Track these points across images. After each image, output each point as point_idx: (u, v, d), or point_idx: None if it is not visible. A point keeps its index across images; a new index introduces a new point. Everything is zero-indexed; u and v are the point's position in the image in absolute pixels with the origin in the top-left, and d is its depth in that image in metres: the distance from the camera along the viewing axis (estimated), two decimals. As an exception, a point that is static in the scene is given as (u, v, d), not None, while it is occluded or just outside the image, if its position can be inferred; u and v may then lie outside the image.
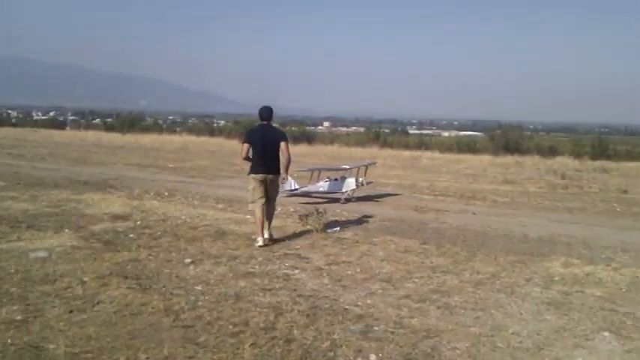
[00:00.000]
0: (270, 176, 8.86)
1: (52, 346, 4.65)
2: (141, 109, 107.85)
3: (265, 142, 8.81)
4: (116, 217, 10.33)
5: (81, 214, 10.62)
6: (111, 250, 7.83)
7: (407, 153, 36.12)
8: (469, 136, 64.65)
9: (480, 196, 15.77)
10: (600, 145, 40.04)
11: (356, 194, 13.99)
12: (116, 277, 6.54)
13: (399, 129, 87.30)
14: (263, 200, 8.77)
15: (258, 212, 8.72)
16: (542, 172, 25.41)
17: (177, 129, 60.56)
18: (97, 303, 5.66)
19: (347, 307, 5.76)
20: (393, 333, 5.07)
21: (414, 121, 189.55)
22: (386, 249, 8.42)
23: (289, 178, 14.43)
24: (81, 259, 7.27)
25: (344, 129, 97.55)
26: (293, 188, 14.35)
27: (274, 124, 9.25)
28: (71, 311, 5.42)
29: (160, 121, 75.98)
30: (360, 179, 13.93)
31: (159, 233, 9.14)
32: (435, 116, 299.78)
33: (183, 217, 10.50)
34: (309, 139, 44.80)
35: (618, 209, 13.92)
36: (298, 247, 8.45)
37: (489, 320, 5.47)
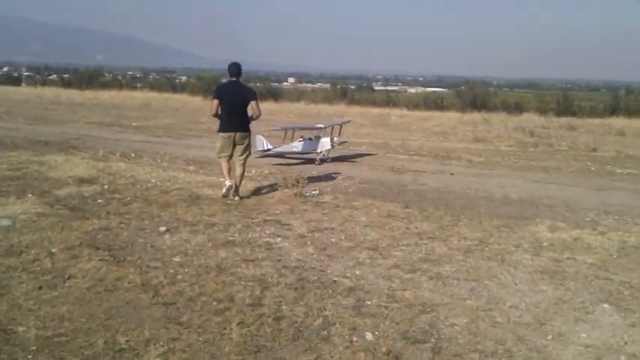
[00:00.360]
0: (239, 134, 8.87)
1: (21, 329, 4.27)
2: (98, 65, 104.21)
3: (234, 100, 8.77)
4: (82, 181, 9.79)
5: (44, 177, 10.05)
6: (79, 218, 7.37)
7: (375, 110, 35.86)
8: (436, 92, 64.61)
9: (454, 155, 15.62)
10: (565, 101, 40.44)
11: (330, 154, 13.66)
12: (87, 247, 6.11)
13: (364, 85, 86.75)
14: (228, 156, 8.97)
15: (224, 164, 8.97)
16: (511, 130, 25.46)
17: (138, 85, 58.71)
18: (68, 278, 5.25)
19: (335, 278, 5.49)
20: (386, 308, 4.82)
21: (380, 77, 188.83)
22: (368, 214, 8.16)
23: (262, 137, 14.01)
24: (47, 228, 6.80)
25: (309, 85, 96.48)
26: (266, 148, 13.95)
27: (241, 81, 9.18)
28: (40, 287, 5.01)
29: (120, 77, 73.46)
30: (335, 139, 13.58)
31: (129, 198, 8.68)
32: (400, 72, 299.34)
33: (153, 181, 10.03)
34: (275, 96, 43.94)
35: (592, 168, 13.95)
36: (277, 212, 8.12)
37: (484, 292, 5.27)
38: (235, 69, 8.84)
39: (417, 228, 7.41)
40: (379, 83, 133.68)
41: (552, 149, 18.83)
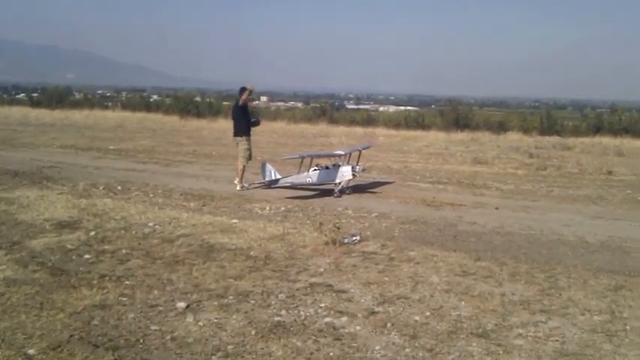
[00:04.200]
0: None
1: None
2: (68, 84, 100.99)
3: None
4: (62, 226, 7.90)
5: (14, 221, 8.14)
6: (63, 287, 5.49)
7: (360, 130, 34.47)
8: (415, 111, 63.65)
9: (479, 183, 13.96)
10: (549, 120, 39.62)
11: (350, 184, 11.89)
12: (80, 344, 4.24)
13: (337, 104, 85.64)
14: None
15: None
16: (505, 150, 24.32)
17: (109, 104, 56.23)
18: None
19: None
20: None
21: (351, 96, 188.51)
22: (437, 270, 6.39)
23: (269, 165, 12.18)
24: (20, 309, 4.90)
25: (282, 104, 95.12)
26: (273, 178, 12.10)
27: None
28: None
29: (90, 96, 70.64)
30: (358, 167, 11.78)
31: (124, 251, 6.80)
32: (371, 91, 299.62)
33: (150, 224, 8.14)
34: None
35: (639, 198, 12.44)
36: (321, 270, 6.30)
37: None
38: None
39: (513, 294, 5.66)
40: (351, 102, 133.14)
41: (563, 172, 17.62)
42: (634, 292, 5.82)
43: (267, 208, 9.73)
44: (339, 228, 7.30)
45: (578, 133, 34.98)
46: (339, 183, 11.51)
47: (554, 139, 29.53)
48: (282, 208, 9.77)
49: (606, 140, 28.83)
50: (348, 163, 11.82)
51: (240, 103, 12.20)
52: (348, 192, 11.67)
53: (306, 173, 11.82)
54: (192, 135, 26.91)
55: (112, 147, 20.06)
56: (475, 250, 7.41)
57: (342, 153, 12.08)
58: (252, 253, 6.88)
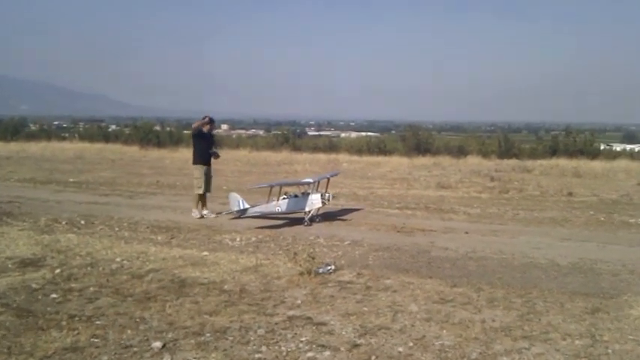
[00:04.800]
0: None
1: None
2: (23, 115, 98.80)
3: None
4: (25, 264, 7.59)
5: (-27, 260, 7.74)
6: (31, 329, 5.23)
7: (323, 157, 34.57)
8: (375, 137, 64.31)
9: (446, 207, 14.09)
10: (506, 143, 40.47)
11: (320, 212, 11.82)
12: (53, 393, 4.01)
13: (298, 131, 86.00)
14: None
15: None
16: (467, 174, 24.73)
17: (66, 135, 55.03)
18: None
19: None
20: None
21: (312, 123, 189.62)
22: (415, 298, 6.34)
23: (237, 195, 12.07)
24: (-14, 355, 4.63)
25: (243, 132, 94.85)
26: (242, 208, 11.94)
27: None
28: None
29: (46, 127, 68.96)
30: (327, 194, 11.73)
31: (92, 289, 6.55)
32: (332, 117, 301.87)
33: (118, 260, 7.89)
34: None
35: (601, 218, 12.71)
36: (298, 301, 6.17)
37: None
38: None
39: (493, 320, 5.64)
40: (312, 129, 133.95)
41: (525, 195, 17.98)
42: (611, 314, 5.88)
43: (238, 238, 9.58)
44: (313, 258, 7.21)
45: (536, 156, 35.78)
46: (309, 211, 11.43)
47: (513, 162, 30.15)
48: (253, 239, 9.62)
49: (563, 162, 29.62)
50: (317, 191, 11.75)
51: (197, 130, 12.25)
52: (318, 220, 11.62)
53: (275, 202, 11.73)
54: (154, 165, 26.53)
55: (71, 179, 19.59)
56: (450, 276, 7.41)
57: (311, 181, 12.04)
58: (225, 286, 6.71)
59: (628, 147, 51.60)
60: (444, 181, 21.05)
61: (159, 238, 9.57)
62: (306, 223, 11.27)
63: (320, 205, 11.48)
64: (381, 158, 34.42)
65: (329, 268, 7.48)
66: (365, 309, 5.94)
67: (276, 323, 5.49)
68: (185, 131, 45.60)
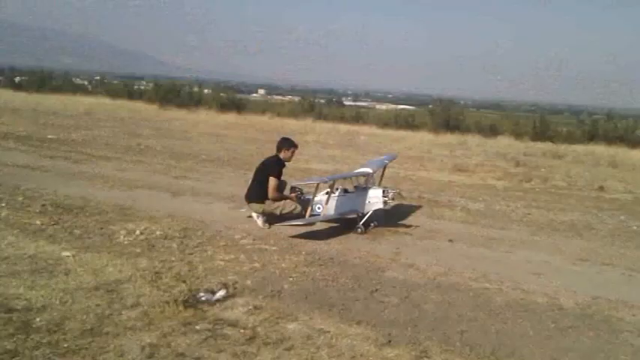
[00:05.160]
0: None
1: None
2: (66, 68, 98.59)
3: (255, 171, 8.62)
4: None
5: None
6: None
7: (344, 127, 32.43)
8: (407, 110, 61.37)
9: (444, 199, 11.57)
10: (542, 125, 37.49)
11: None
12: None
13: (334, 100, 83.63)
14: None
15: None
16: (491, 156, 22.37)
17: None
18: None
19: None
20: None
21: (350, 92, 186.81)
22: (311, 365, 3.99)
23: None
24: None
25: (279, 97, 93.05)
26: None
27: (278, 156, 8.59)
28: None
29: (85, 81, 68.04)
30: (391, 192, 8.56)
31: None
32: (371, 88, 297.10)
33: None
34: (239, 107, 39.95)
35: (635, 227, 10.04)
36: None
37: None
38: (278, 143, 8.65)
39: None
40: (349, 98, 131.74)
41: (549, 186, 15.44)
42: None
43: (138, 231, 7.21)
44: (184, 281, 4.82)
45: (572, 140, 33.23)
46: (365, 214, 8.39)
47: (545, 146, 27.56)
48: (158, 233, 7.24)
49: (600, 149, 26.72)
50: (376, 186, 8.94)
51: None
52: (374, 225, 8.60)
53: (318, 203, 8.41)
54: (161, 126, 24.79)
55: (50, 136, 18.01)
56: (390, 321, 4.94)
57: (370, 171, 8.96)
58: (38, 319, 4.44)
59: (674, 136, 48.02)
60: (462, 163, 18.73)
61: (37, 222, 7.28)
62: (359, 230, 8.28)
63: (381, 205, 8.40)
64: (405, 133, 32.29)
65: (217, 294, 5.12)
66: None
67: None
68: (222, 94, 43.75)
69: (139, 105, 36.48)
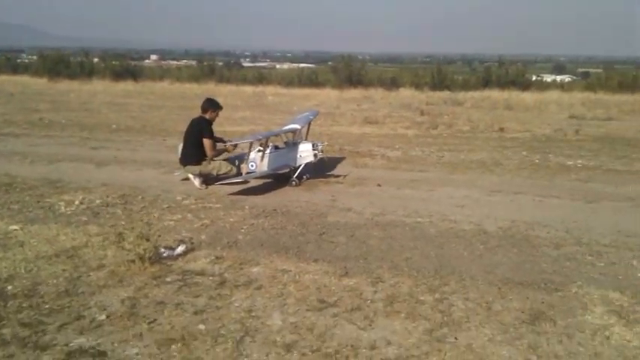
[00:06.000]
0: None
1: None
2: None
3: (186, 134, 8.70)
4: None
5: None
6: None
7: (249, 89, 32.09)
8: (309, 68, 61.63)
9: (364, 149, 12.16)
10: (439, 75, 39.12)
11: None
12: None
13: (232, 62, 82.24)
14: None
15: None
16: (396, 107, 23.06)
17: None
18: None
19: None
20: None
21: (248, 54, 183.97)
22: (284, 300, 4.36)
23: None
24: None
25: (174, 62, 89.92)
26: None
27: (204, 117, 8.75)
28: None
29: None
30: (319, 144, 8.94)
31: None
32: (268, 48, 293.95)
33: None
34: (134, 74, 38.39)
35: (536, 160, 11.06)
36: (103, 317, 4.08)
37: None
38: (203, 104, 8.78)
39: (388, 344, 3.73)
40: (247, 60, 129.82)
41: (454, 130, 16.37)
42: (558, 324, 4.06)
43: (77, 201, 7.23)
44: (148, 239, 5.03)
45: (468, 87, 34.74)
46: (298, 168, 8.71)
47: (445, 95, 28.70)
48: (98, 201, 7.30)
49: (495, 94, 28.24)
50: (305, 140, 9.23)
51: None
52: (307, 178, 8.96)
53: (251, 160, 8.75)
54: (56, 99, 23.43)
55: None
56: (344, 257, 5.44)
57: (299, 127, 9.26)
58: (10, 287, 4.54)
59: (558, 78, 51.55)
60: (372, 116, 19.27)
61: None
62: (294, 183, 8.62)
63: (312, 158, 8.73)
64: (310, 91, 32.38)
65: (178, 249, 5.38)
66: (201, 327, 3.92)
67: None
68: (115, 62, 41.83)
69: (26, 79, 34.21)
